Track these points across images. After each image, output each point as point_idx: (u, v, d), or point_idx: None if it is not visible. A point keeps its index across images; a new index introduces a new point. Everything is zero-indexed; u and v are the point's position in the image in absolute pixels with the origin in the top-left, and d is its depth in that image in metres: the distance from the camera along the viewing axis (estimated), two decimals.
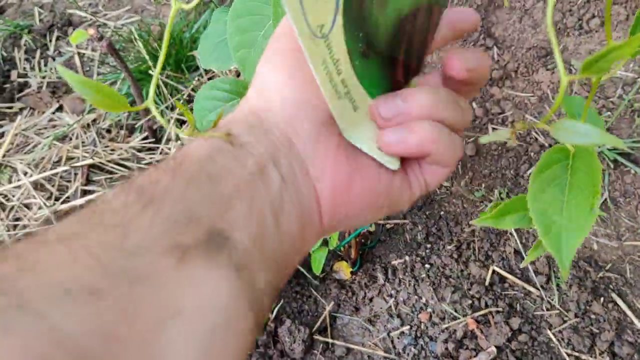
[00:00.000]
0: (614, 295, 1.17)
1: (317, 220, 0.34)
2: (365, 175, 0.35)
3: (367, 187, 0.35)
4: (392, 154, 0.36)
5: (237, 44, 0.73)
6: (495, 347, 1.13)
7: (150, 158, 1.42)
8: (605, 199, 1.27)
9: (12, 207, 1.34)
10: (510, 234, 1.27)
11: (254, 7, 0.68)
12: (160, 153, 1.43)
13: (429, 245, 1.29)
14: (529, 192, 0.45)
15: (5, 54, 1.74)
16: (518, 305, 1.19)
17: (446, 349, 1.15)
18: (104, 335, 0.21)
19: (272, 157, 0.32)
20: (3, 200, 1.35)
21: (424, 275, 1.24)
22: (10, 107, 1.59)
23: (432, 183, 0.38)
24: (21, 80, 1.65)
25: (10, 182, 1.38)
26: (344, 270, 1.28)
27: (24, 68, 1.68)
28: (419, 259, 1.27)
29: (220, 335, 0.25)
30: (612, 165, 1.30)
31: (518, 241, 1.26)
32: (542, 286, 1.20)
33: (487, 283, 1.22)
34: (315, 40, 0.32)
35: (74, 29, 1.75)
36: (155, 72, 0.31)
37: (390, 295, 1.24)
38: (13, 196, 1.35)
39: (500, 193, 1.33)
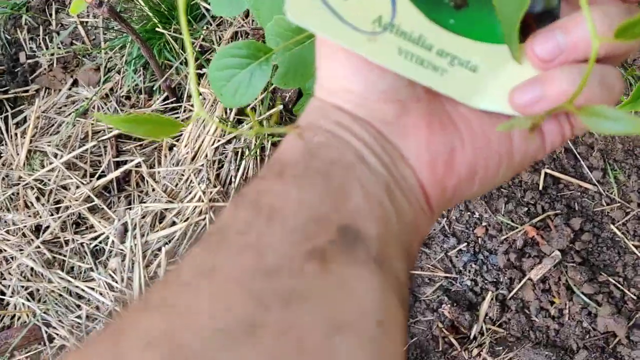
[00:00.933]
0: None
1: (427, 208, 0.31)
2: (470, 139, 0.31)
3: (476, 152, 0.32)
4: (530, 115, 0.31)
5: None
6: (559, 250, 1.10)
7: (176, 117, 1.38)
8: None
9: (51, 191, 1.34)
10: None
11: None
12: (184, 111, 1.39)
13: None
14: None
15: (8, 37, 1.69)
16: (576, 204, 1.15)
17: (508, 259, 1.13)
18: None
19: (366, 145, 0.29)
20: (41, 186, 1.35)
21: None
22: (26, 91, 1.57)
23: (579, 128, 0.33)
24: (31, 61, 1.61)
25: (43, 166, 1.37)
26: None
27: (31, 48, 1.64)
28: None
29: (386, 335, 0.24)
30: None
31: (569, 140, 1.20)
32: (598, 181, 1.16)
33: (540, 187, 1.17)
34: (377, 38, 0.29)
35: None
36: (191, 72, 0.27)
37: (442, 215, 1.22)
38: (49, 180, 1.35)
39: None
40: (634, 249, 1.09)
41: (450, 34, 0.30)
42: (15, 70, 1.64)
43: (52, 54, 1.57)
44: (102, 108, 1.43)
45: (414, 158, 0.31)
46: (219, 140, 1.30)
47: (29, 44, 1.65)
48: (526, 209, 1.15)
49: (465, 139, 0.31)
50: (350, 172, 0.28)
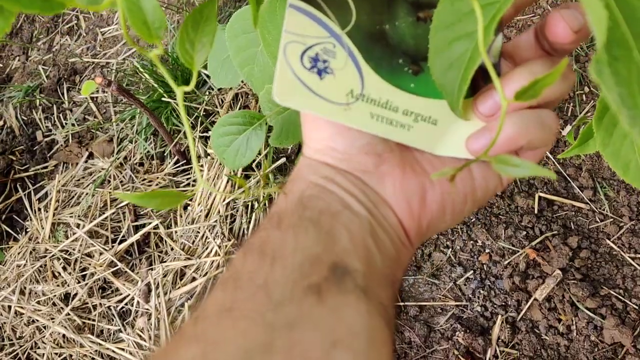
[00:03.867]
0: None
1: (406, 241, 0.38)
2: (438, 182, 0.38)
3: (444, 192, 0.38)
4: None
5: (240, 62, 0.76)
6: (560, 269, 1.15)
7: (187, 179, 1.47)
8: None
9: (76, 260, 1.42)
10: (547, 157, 1.28)
11: (247, 25, 0.71)
12: (194, 172, 1.48)
13: None
14: (597, 141, 0.43)
15: (25, 118, 1.80)
16: (572, 223, 1.21)
17: (513, 283, 1.18)
18: None
19: (350, 194, 0.36)
20: (66, 256, 1.43)
21: (473, 220, 1.27)
22: (45, 167, 1.67)
23: None
24: (47, 139, 1.72)
25: (67, 237, 1.45)
26: None
27: (47, 127, 1.75)
28: None
29: (374, 349, 0.30)
30: None
31: (555, 162, 1.27)
32: (590, 199, 1.22)
33: (536, 211, 1.23)
34: (351, 107, 0.36)
35: (80, 77, 1.80)
36: (191, 144, 0.34)
37: (447, 247, 1.28)
38: (74, 249, 1.42)
39: None
40: (630, 261, 1.14)
41: (412, 96, 0.36)
42: (34, 149, 1.74)
43: (67, 131, 1.68)
44: (118, 176, 1.52)
45: (392, 199, 0.37)
46: (229, 196, 1.37)
47: (45, 122, 1.76)
48: (525, 232, 1.21)
49: (434, 181, 0.38)
50: (337, 218, 0.34)
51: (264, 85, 0.76)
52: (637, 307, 1.10)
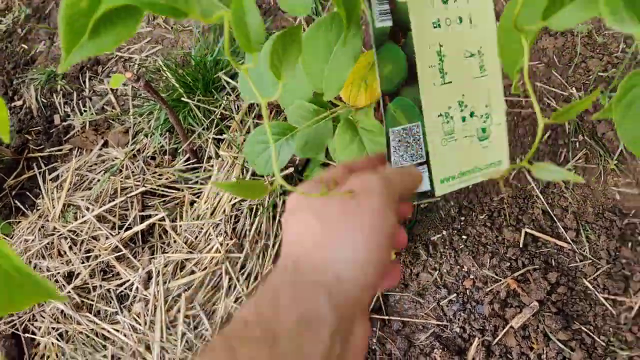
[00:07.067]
0: None
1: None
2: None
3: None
4: None
5: (273, 79, 0.85)
6: (537, 301, 1.24)
7: (196, 177, 1.54)
8: (621, 151, 1.36)
9: (82, 241, 1.49)
10: (537, 196, 1.37)
11: None
12: (204, 171, 1.55)
13: (462, 218, 1.40)
14: (614, 118, 0.49)
15: (45, 101, 1.88)
16: (553, 260, 1.30)
17: (492, 309, 1.26)
18: None
19: (328, 291, 0.40)
20: (74, 237, 1.50)
21: (462, 246, 1.35)
22: (60, 150, 1.74)
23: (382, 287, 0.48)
24: (65, 123, 1.79)
25: (76, 219, 1.52)
26: None
27: (65, 112, 1.82)
28: (455, 231, 1.38)
29: None
30: None
31: (544, 202, 1.36)
32: (572, 240, 1.30)
33: (521, 245, 1.32)
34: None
35: (102, 67, 1.88)
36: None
37: (434, 269, 1.36)
38: (81, 231, 1.50)
39: (520, 159, 1.43)
40: (603, 300, 1.22)
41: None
42: (50, 131, 1.81)
43: (85, 118, 1.75)
44: (130, 167, 1.59)
45: (373, 290, 0.43)
46: (236, 198, 1.45)
47: (64, 107, 1.83)
48: (508, 263, 1.30)
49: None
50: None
51: (293, 101, 0.85)
52: (604, 344, 1.18)
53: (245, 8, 0.42)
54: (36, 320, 1.48)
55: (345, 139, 0.81)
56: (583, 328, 1.20)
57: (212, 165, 1.53)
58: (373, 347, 1.31)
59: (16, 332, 1.50)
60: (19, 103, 1.93)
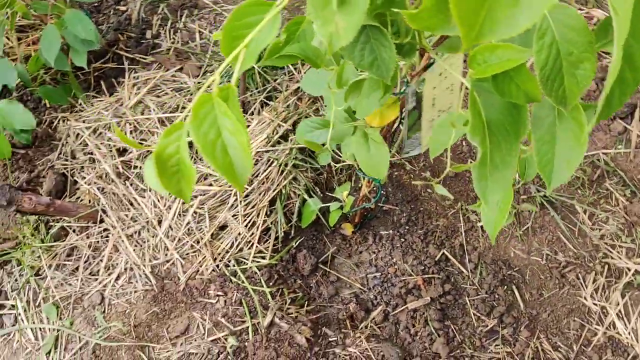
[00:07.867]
0: (513, 286, 1.82)
1: None
2: None
3: None
4: None
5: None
6: (430, 298, 1.78)
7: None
8: (527, 228, 1.91)
9: (142, 132, 1.99)
10: (461, 233, 1.91)
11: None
12: (248, 126, 2.06)
13: (407, 227, 1.93)
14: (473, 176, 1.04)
15: (144, 16, 2.37)
16: (452, 277, 1.84)
17: (400, 292, 1.80)
18: None
19: None
20: (137, 125, 2.00)
21: (398, 245, 1.89)
22: (145, 58, 2.23)
23: None
24: (155, 40, 2.28)
25: (142, 114, 2.02)
26: (347, 229, 1.93)
27: (157, 31, 2.32)
28: (398, 233, 1.91)
29: None
30: (538, 207, 1.94)
31: (464, 239, 1.90)
32: (470, 270, 1.85)
33: (437, 259, 1.86)
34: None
35: (198, 11, 2.38)
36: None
37: (374, 252, 1.89)
38: (144, 125, 2.00)
39: (462, 206, 1.97)
40: (472, 314, 1.77)
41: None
42: (141, 41, 2.31)
43: (173, 43, 2.25)
44: (194, 94, 2.09)
45: None
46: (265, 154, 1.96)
47: (158, 28, 2.33)
48: (423, 267, 1.84)
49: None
50: None
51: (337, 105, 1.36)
52: (460, 340, 1.72)
53: (344, 66, 0.95)
54: (84, 171, 1.98)
55: (359, 142, 1.32)
56: (451, 325, 1.75)
57: (253, 119, 2.04)
58: (311, 286, 1.84)
59: (66, 173, 2.00)
60: (123, 8, 2.41)
